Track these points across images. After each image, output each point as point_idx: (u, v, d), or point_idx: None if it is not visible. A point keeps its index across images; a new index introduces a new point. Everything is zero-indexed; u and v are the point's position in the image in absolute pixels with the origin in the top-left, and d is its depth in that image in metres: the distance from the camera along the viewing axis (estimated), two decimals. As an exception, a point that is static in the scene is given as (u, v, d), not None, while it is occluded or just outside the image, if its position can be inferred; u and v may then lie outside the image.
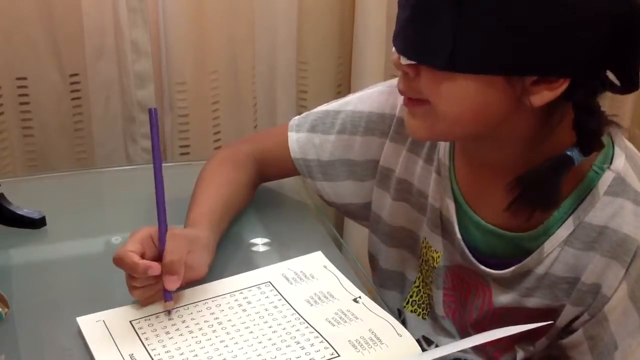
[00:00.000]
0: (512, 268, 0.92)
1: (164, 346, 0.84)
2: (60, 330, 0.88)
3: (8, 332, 0.87)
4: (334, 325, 0.86)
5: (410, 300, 1.05)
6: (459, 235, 0.96)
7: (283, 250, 1.05)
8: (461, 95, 0.82)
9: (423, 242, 1.02)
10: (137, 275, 0.86)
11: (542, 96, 0.80)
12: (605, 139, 0.88)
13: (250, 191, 1.11)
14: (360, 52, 1.66)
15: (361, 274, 1.01)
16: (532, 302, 0.92)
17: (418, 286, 1.05)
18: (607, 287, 0.87)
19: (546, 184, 0.84)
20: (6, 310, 0.89)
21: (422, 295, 1.04)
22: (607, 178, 0.87)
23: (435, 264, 1.00)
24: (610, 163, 0.88)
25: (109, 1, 1.47)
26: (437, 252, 0.99)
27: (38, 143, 1.54)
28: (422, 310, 1.04)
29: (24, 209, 1.07)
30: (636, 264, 0.86)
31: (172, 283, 0.87)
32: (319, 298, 0.91)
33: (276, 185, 1.18)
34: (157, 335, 0.85)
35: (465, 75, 0.80)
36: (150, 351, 0.83)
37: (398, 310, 1.07)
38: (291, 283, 0.94)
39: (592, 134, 0.84)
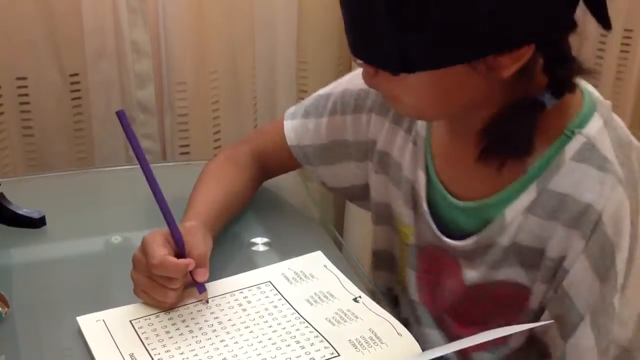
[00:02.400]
0: (475, 238, 0.90)
1: (164, 346, 0.84)
2: (60, 330, 0.88)
3: (8, 332, 0.87)
4: (334, 325, 0.86)
5: (401, 284, 1.04)
6: (425, 207, 0.94)
7: (283, 249, 1.05)
8: (423, 90, 0.81)
9: (398, 218, 1.01)
10: (179, 275, 0.86)
11: (509, 68, 0.78)
12: (587, 102, 0.86)
13: (251, 190, 1.11)
14: (360, 52, 1.66)
15: (361, 274, 1.01)
16: (502, 274, 0.89)
17: (402, 269, 1.03)
18: (568, 260, 0.84)
19: (516, 129, 0.82)
20: (6, 310, 0.89)
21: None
22: (576, 142, 0.84)
23: (407, 240, 0.98)
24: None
25: (109, 1, 1.47)
26: (408, 227, 0.98)
27: (38, 143, 1.54)
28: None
29: (24, 209, 1.08)
30: (596, 235, 0.82)
31: (203, 275, 0.89)
32: (319, 298, 0.91)
33: (276, 185, 1.18)
34: (157, 335, 0.85)
35: (424, 72, 0.78)
36: (150, 351, 0.83)
37: (387, 288, 1.07)
38: (291, 283, 0.94)
39: (563, 77, 0.81)
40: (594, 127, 0.84)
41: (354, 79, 1.06)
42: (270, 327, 0.86)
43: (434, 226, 0.94)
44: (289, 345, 0.83)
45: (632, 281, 0.86)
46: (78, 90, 1.53)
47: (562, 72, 0.81)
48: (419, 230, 0.97)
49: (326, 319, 0.87)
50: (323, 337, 0.84)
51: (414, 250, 0.98)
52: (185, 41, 1.53)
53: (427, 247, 0.97)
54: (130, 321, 0.87)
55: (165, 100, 1.58)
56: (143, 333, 0.86)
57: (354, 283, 0.94)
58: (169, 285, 0.87)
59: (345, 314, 0.88)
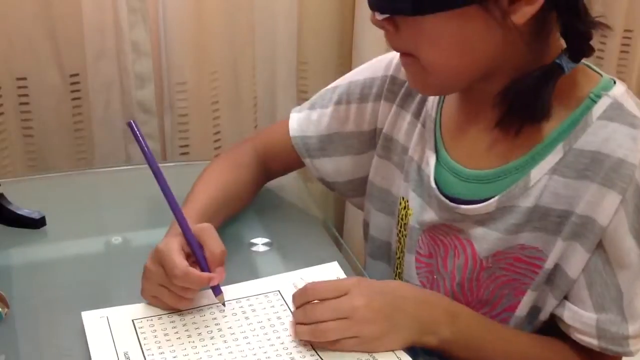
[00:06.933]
0: (497, 198, 0.88)
1: (159, 347, 0.84)
2: (60, 330, 0.88)
3: (8, 332, 0.87)
4: None
5: (397, 271, 1.04)
6: (433, 184, 0.93)
7: (283, 250, 1.05)
8: (442, 37, 0.81)
9: (401, 202, 1.00)
10: (200, 287, 0.87)
11: (524, 12, 0.78)
12: (605, 76, 0.87)
13: (251, 188, 1.11)
14: (360, 52, 1.66)
15: (360, 273, 1.01)
16: (522, 238, 0.88)
17: (399, 257, 1.03)
18: (603, 217, 0.83)
19: (534, 93, 0.82)
20: (6, 310, 0.89)
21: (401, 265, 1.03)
22: (603, 103, 0.85)
23: (407, 221, 0.97)
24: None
25: (109, 1, 1.47)
26: (411, 209, 0.97)
27: (38, 143, 1.54)
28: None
29: (24, 209, 1.08)
30: (632, 190, 0.82)
31: (220, 275, 0.87)
32: None
33: (276, 186, 1.18)
34: (155, 337, 0.85)
35: (439, 15, 0.79)
36: (144, 351, 0.83)
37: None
38: None
39: (580, 37, 0.82)
40: (619, 90, 0.86)
41: (362, 69, 1.07)
42: (268, 339, 0.85)
43: (443, 198, 0.92)
44: None
45: None
46: (78, 91, 1.53)
47: (578, 27, 0.81)
48: (422, 211, 0.96)
49: None
50: (318, 355, 0.83)
51: (414, 233, 0.98)
52: (185, 41, 1.53)
53: (428, 229, 0.96)
54: (132, 320, 0.87)
55: (165, 100, 1.58)
56: (142, 333, 0.85)
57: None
58: (185, 295, 0.87)
59: None
